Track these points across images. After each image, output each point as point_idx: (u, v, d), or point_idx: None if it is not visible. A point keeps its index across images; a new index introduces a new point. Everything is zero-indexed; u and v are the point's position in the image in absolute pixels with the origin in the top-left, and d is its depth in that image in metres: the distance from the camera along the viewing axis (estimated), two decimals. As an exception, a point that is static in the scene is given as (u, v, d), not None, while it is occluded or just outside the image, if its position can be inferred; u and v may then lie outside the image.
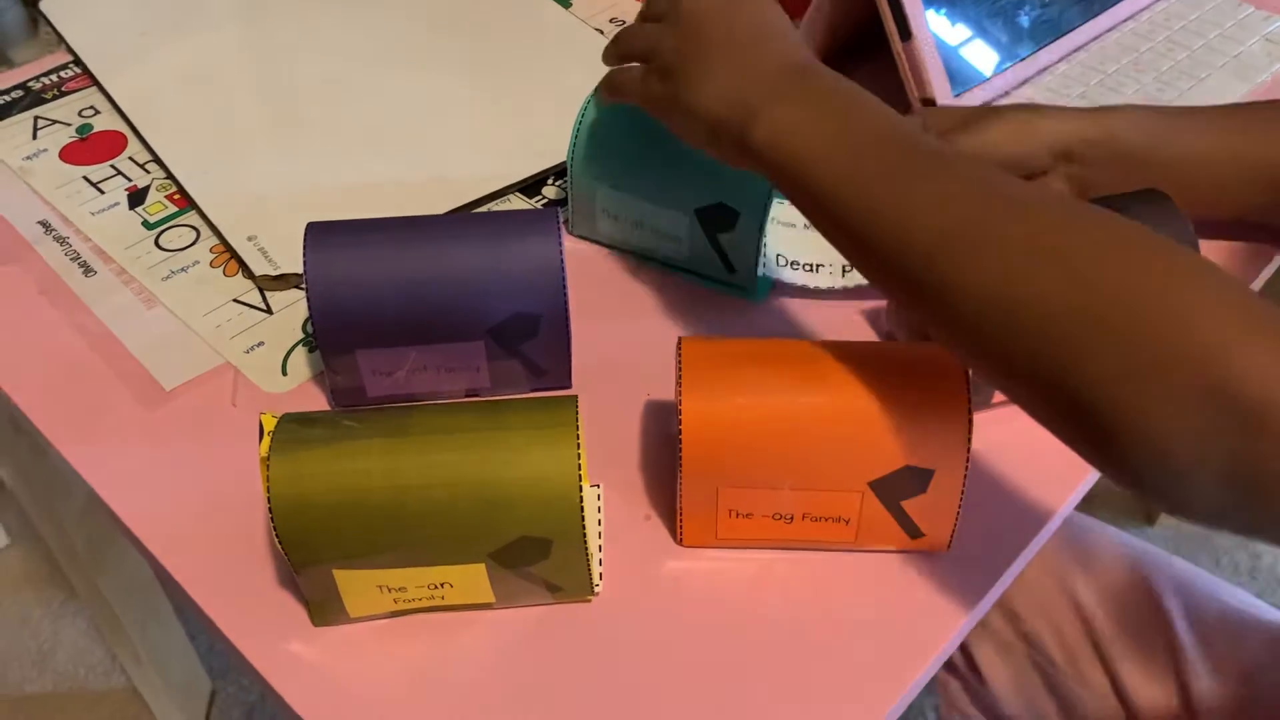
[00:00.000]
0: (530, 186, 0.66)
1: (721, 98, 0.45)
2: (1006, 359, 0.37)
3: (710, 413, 0.44)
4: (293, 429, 0.41)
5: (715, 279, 0.59)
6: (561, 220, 0.54)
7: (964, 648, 0.78)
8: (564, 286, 0.50)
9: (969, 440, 0.43)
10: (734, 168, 0.46)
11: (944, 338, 0.40)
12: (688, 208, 0.57)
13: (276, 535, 0.41)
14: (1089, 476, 0.50)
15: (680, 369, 0.44)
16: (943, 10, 0.65)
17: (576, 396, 0.43)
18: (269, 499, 0.40)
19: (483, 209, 0.64)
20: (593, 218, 0.61)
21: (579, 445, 0.41)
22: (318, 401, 0.54)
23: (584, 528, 0.41)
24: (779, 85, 0.44)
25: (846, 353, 0.45)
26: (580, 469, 0.41)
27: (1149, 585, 0.68)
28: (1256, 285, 0.63)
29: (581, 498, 0.41)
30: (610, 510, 0.49)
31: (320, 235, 0.49)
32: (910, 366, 0.44)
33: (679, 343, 0.46)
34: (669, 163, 0.56)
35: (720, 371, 0.44)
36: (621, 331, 0.57)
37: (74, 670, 1.24)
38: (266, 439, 0.41)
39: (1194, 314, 0.33)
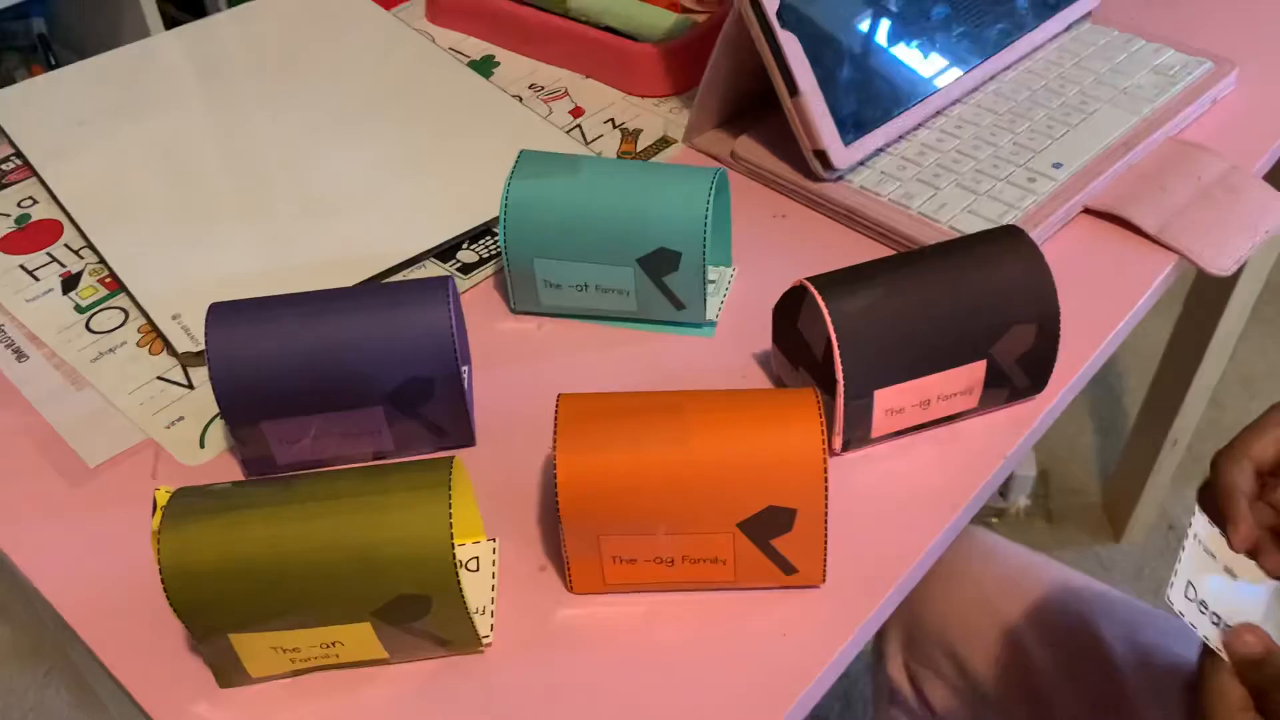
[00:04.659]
0: (445, 252, 0.69)
1: None
2: None
3: (583, 466, 0.46)
4: (183, 502, 0.44)
5: (666, 321, 0.63)
6: (455, 291, 0.57)
7: (915, 686, 0.80)
8: (455, 350, 0.52)
9: (826, 479, 0.45)
10: None
11: None
12: (629, 259, 0.60)
13: (171, 605, 0.43)
14: (960, 512, 0.53)
15: (556, 425, 0.47)
16: (831, 62, 0.68)
17: (454, 458, 0.46)
18: (160, 570, 0.43)
19: (398, 276, 0.67)
20: (534, 291, 0.62)
21: (450, 504, 0.43)
22: (233, 472, 0.56)
23: (459, 584, 0.43)
24: None
25: (711, 402, 0.47)
26: (453, 526, 0.43)
27: (1097, 633, 0.68)
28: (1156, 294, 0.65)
29: (455, 555, 0.43)
30: (507, 562, 0.52)
31: (221, 314, 0.52)
32: (769, 411, 0.47)
33: (558, 399, 0.48)
34: (603, 220, 0.59)
35: (593, 426, 0.47)
36: (530, 386, 0.60)
37: (59, 740, 1.26)
38: (158, 513, 0.44)
39: None
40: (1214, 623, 0.45)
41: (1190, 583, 0.46)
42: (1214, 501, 0.49)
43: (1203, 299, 1.20)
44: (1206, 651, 0.45)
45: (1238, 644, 0.43)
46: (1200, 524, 0.48)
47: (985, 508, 1.46)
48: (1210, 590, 0.46)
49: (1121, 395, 1.65)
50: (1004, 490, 1.45)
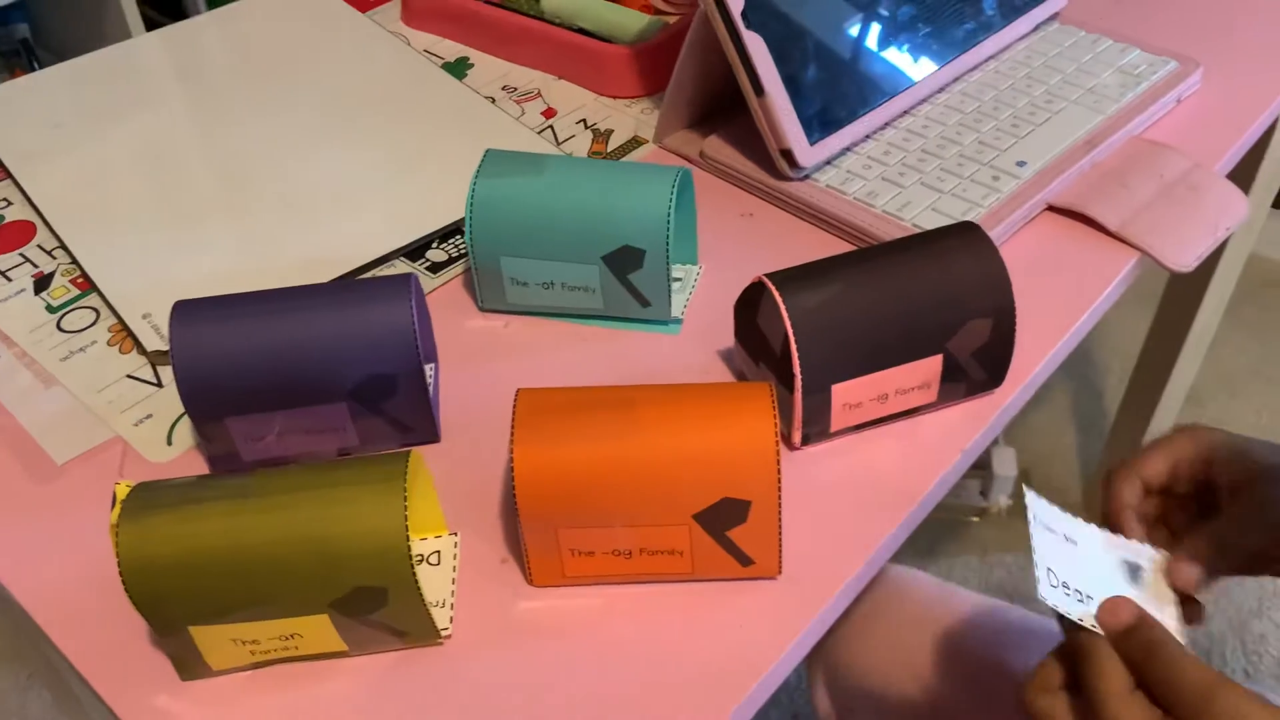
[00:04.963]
0: (415, 251, 0.69)
1: None
2: None
3: (540, 460, 0.47)
4: (142, 496, 0.44)
5: (632, 318, 0.63)
6: (419, 288, 0.57)
7: None
8: (416, 347, 0.53)
9: (779, 471, 0.46)
10: None
11: None
12: (594, 257, 0.60)
13: (129, 598, 0.44)
14: (918, 505, 0.53)
15: (514, 420, 0.48)
16: (796, 62, 0.68)
17: (410, 451, 0.46)
18: (118, 563, 0.43)
19: (368, 275, 0.67)
20: (501, 289, 0.63)
21: (405, 497, 0.44)
22: (200, 468, 0.57)
23: (415, 576, 0.44)
24: None
25: (668, 396, 0.48)
26: (410, 520, 0.44)
27: (1005, 665, 0.69)
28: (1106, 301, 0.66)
29: (410, 547, 0.43)
30: (470, 555, 0.52)
31: (185, 312, 0.53)
32: (724, 404, 0.47)
33: (517, 394, 0.49)
34: (567, 219, 0.59)
35: (551, 420, 0.47)
36: (496, 383, 0.60)
37: (42, 743, 1.26)
38: (118, 507, 0.44)
39: None
40: (1080, 600, 0.46)
41: (1050, 569, 0.46)
42: (1105, 513, 0.51)
43: (1177, 298, 1.21)
44: (1076, 630, 0.45)
45: (1109, 617, 0.44)
46: (1034, 503, 0.48)
47: (966, 507, 1.47)
48: (1067, 568, 0.47)
49: (1102, 394, 1.66)
50: (985, 490, 1.46)
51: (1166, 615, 0.48)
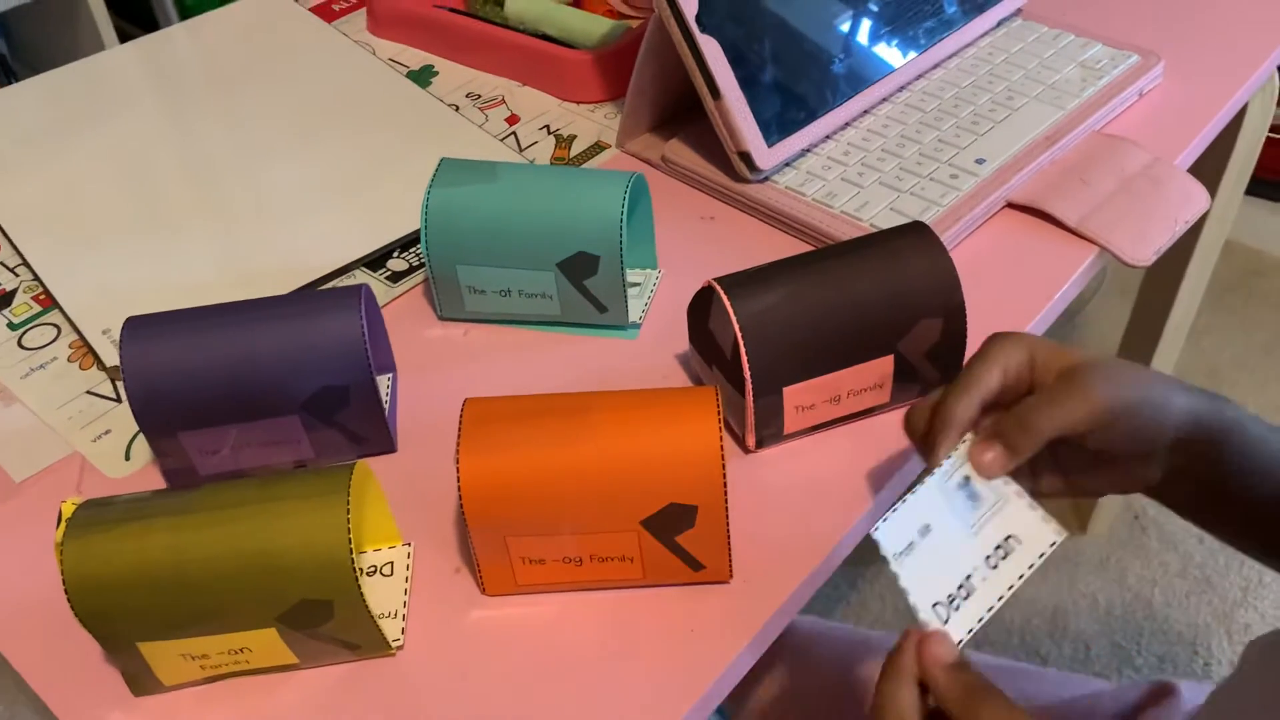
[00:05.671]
0: (376, 260, 0.69)
1: None
2: None
3: (485, 469, 0.47)
4: (87, 514, 0.45)
5: (590, 324, 0.63)
6: (372, 299, 0.57)
7: None
8: (367, 358, 0.53)
9: (724, 474, 0.46)
10: None
11: None
12: (549, 264, 0.60)
13: (75, 615, 0.44)
14: (871, 505, 0.53)
15: (460, 430, 0.48)
16: (753, 65, 0.68)
17: (355, 463, 0.46)
18: (64, 581, 0.43)
19: (328, 286, 0.68)
20: (459, 297, 0.63)
21: (348, 510, 0.44)
22: (157, 484, 0.57)
23: (360, 589, 0.44)
24: None
25: (614, 402, 0.48)
26: (356, 532, 0.44)
27: None
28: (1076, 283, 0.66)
29: (354, 560, 0.44)
30: (423, 565, 0.52)
31: (136, 327, 0.53)
32: (670, 409, 0.47)
33: (464, 404, 0.49)
34: (522, 226, 0.60)
35: (497, 429, 0.48)
36: (455, 392, 0.60)
37: (31, 757, 1.26)
38: (62, 525, 0.44)
39: None
40: (965, 599, 0.44)
41: (933, 603, 0.44)
42: (923, 424, 0.47)
43: (1156, 289, 1.21)
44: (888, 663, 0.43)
45: (928, 658, 0.42)
46: (884, 538, 0.44)
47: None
48: (939, 582, 0.44)
49: (1089, 388, 1.66)
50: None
51: (1013, 507, 0.45)
